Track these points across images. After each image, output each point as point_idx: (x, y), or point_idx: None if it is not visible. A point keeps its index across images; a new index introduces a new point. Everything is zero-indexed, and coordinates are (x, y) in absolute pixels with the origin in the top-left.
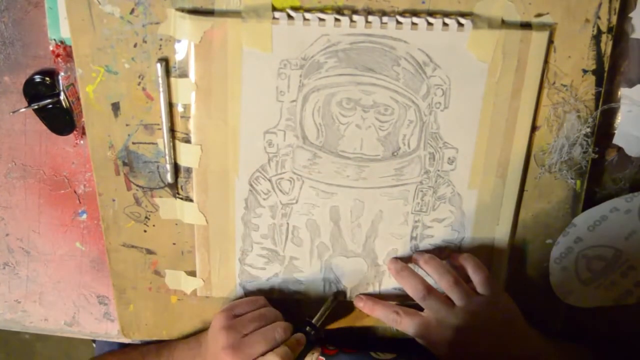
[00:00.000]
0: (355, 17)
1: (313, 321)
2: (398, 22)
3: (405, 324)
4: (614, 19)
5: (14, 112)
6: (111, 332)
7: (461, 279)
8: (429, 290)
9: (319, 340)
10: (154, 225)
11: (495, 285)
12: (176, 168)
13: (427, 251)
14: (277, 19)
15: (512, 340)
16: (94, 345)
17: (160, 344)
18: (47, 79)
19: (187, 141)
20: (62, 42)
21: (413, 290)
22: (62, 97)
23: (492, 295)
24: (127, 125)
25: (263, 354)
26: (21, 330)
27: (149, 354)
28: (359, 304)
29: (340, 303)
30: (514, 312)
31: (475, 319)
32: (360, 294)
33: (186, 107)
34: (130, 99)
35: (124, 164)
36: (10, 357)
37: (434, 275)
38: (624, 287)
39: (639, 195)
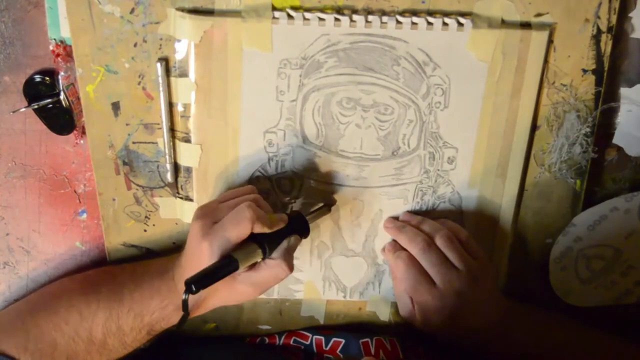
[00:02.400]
0: (355, 17)
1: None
2: (398, 22)
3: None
4: (614, 18)
5: (14, 112)
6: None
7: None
8: (430, 244)
9: (303, 233)
10: (154, 225)
11: (482, 251)
12: (176, 167)
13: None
14: (277, 18)
15: (487, 305)
16: None
17: (135, 262)
18: (47, 78)
19: (187, 141)
20: (62, 42)
21: (413, 243)
22: (62, 96)
23: (484, 260)
24: (127, 124)
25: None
26: None
27: (121, 274)
28: (387, 225)
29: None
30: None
31: (474, 286)
32: (391, 217)
33: (186, 106)
34: (130, 98)
35: (124, 163)
36: None
37: (430, 232)
38: (624, 287)
39: (639, 194)
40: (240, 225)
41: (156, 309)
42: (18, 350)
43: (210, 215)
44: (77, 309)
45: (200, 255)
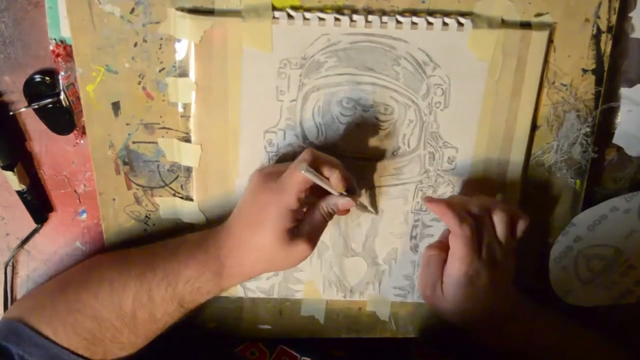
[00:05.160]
0: (355, 17)
1: None
2: (398, 22)
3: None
4: (614, 18)
5: (14, 112)
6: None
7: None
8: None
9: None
10: (154, 225)
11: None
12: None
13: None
14: (277, 18)
15: (498, 294)
16: None
17: (168, 240)
18: (47, 78)
19: (187, 140)
20: (62, 42)
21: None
22: (62, 96)
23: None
24: (127, 124)
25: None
26: None
27: (155, 246)
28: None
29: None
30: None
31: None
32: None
33: (186, 106)
34: (131, 98)
35: (124, 163)
36: None
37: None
38: (624, 287)
39: (639, 194)
40: (296, 168)
41: (191, 277)
42: (41, 325)
43: (270, 174)
44: (108, 280)
45: (257, 207)
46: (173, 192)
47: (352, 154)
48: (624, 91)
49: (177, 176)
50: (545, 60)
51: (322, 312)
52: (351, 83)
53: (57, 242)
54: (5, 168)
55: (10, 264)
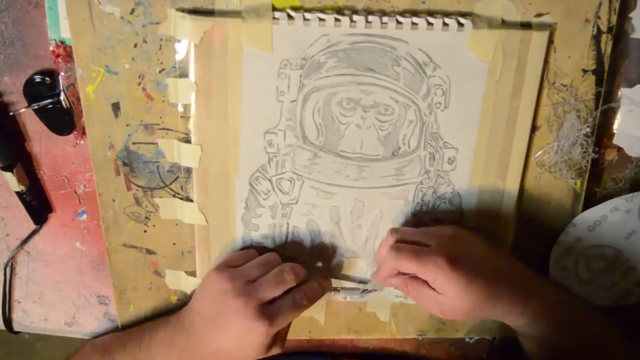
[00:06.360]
0: (355, 17)
1: None
2: (398, 22)
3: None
4: (614, 18)
5: (14, 112)
6: (111, 332)
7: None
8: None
9: None
10: (154, 226)
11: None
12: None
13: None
14: (277, 19)
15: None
16: None
17: (140, 327)
18: (47, 79)
19: (187, 141)
20: (62, 42)
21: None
22: (62, 97)
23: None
24: (127, 125)
25: (275, 299)
26: (21, 330)
27: (129, 342)
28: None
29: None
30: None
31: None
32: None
33: (186, 107)
34: (131, 99)
35: (124, 164)
36: (10, 357)
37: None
38: (624, 287)
39: (639, 195)
40: (279, 287)
41: None
42: None
43: (239, 275)
44: None
45: (229, 315)
46: (173, 193)
47: (352, 154)
48: (624, 91)
49: (177, 177)
50: (546, 61)
51: (322, 313)
52: (351, 83)
53: (57, 242)
54: (5, 169)
55: (10, 264)
